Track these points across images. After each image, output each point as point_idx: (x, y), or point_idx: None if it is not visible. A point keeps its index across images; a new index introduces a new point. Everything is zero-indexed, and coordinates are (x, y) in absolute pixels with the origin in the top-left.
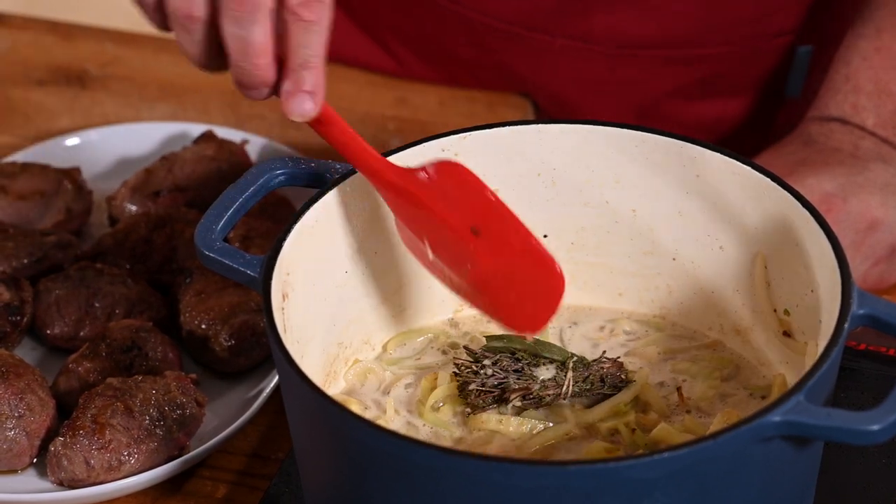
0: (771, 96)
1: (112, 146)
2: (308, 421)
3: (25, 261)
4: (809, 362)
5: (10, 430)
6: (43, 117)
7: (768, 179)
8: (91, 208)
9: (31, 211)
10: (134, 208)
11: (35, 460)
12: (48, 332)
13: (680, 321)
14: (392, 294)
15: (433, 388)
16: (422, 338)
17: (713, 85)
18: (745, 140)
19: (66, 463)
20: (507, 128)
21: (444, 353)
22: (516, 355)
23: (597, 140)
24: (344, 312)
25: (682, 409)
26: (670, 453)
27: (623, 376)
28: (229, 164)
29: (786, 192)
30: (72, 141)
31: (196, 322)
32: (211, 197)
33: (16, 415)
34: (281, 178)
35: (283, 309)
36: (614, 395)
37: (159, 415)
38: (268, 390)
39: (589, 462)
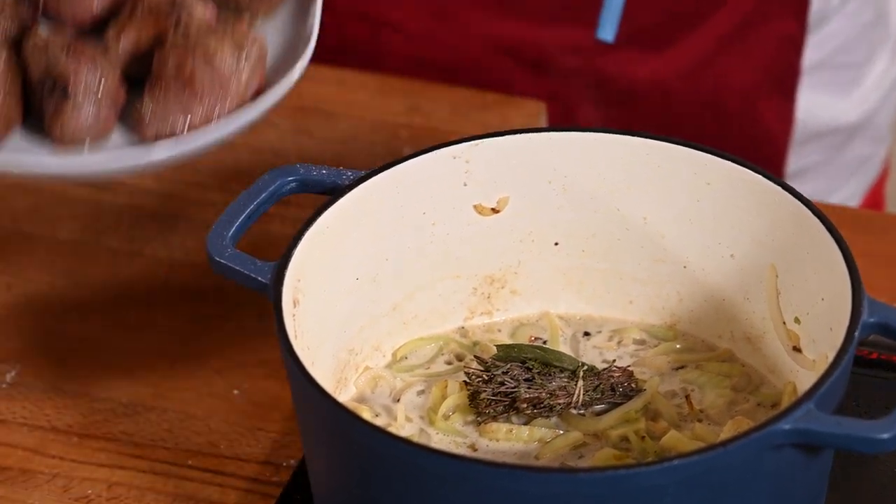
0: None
1: None
2: (319, 427)
3: None
4: (820, 371)
5: (91, 104)
6: None
7: (778, 187)
8: None
9: None
10: None
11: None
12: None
13: (690, 330)
14: (402, 301)
15: (444, 396)
16: (432, 345)
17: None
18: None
19: (159, 116)
20: (519, 135)
21: (453, 361)
22: (527, 364)
23: (607, 147)
24: (354, 319)
25: (692, 418)
26: (680, 460)
27: (633, 385)
28: None
29: (796, 200)
30: None
31: None
32: None
33: (93, 90)
34: (292, 185)
35: (294, 315)
36: (624, 403)
37: (234, 60)
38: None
39: (599, 469)
